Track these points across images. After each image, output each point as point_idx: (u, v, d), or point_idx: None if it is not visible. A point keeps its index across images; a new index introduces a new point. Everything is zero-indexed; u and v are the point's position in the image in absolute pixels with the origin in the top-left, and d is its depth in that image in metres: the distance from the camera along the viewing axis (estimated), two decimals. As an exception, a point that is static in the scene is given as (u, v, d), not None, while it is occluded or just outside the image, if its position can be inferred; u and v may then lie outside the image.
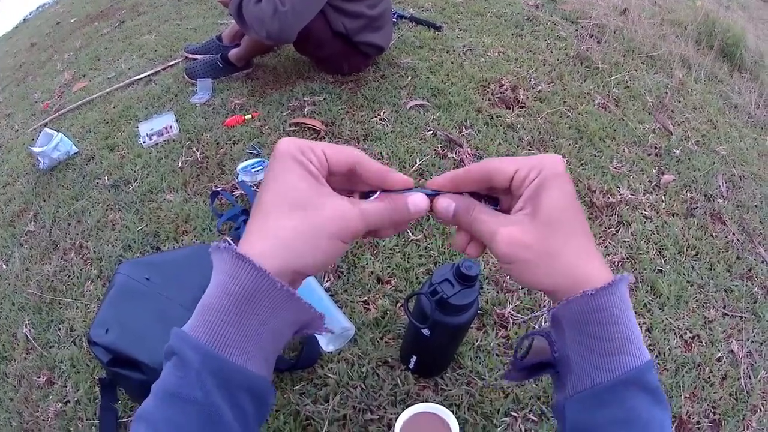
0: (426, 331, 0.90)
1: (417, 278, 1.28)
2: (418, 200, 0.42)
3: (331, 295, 1.24)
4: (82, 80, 2.50)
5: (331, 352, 1.14)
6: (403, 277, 1.29)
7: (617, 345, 0.39)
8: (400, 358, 1.11)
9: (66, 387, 1.21)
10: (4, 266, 1.59)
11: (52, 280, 1.46)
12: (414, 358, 1.05)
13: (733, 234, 1.60)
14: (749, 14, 4.24)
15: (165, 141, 1.85)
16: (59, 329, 1.33)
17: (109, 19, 3.28)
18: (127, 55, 2.60)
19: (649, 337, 1.26)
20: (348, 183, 0.44)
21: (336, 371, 1.10)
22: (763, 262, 1.54)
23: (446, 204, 0.43)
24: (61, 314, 1.36)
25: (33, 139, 2.02)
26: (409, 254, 1.33)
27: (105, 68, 2.54)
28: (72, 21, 3.63)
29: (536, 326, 1.19)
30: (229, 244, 0.37)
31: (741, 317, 1.37)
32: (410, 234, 1.38)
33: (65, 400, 1.19)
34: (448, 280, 0.84)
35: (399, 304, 1.22)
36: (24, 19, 4.88)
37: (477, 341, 1.15)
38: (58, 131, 1.89)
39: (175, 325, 1.01)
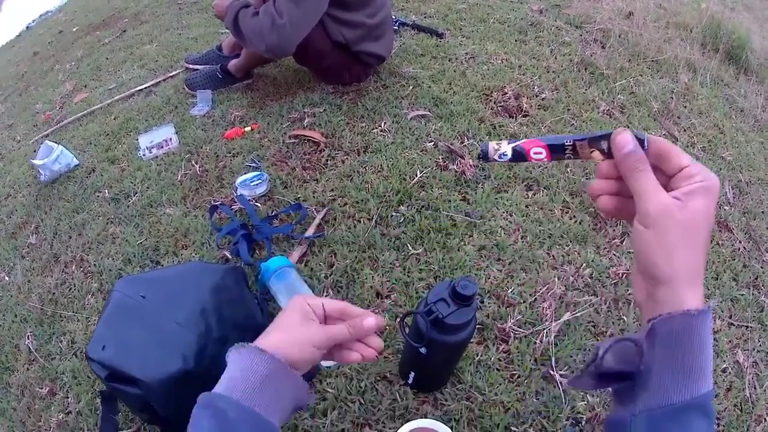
0: (423, 350, 0.90)
1: (417, 293, 1.28)
2: (371, 320, 0.68)
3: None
4: (83, 91, 2.51)
5: (329, 368, 1.14)
6: (403, 292, 1.28)
7: (698, 370, 0.42)
8: (399, 374, 1.11)
9: (68, 398, 1.22)
10: (6, 278, 1.60)
11: (54, 293, 1.47)
12: (412, 374, 1.05)
13: (740, 242, 1.57)
14: (754, 15, 4.17)
15: (165, 153, 1.85)
16: (61, 341, 1.34)
17: (110, 29, 3.29)
18: (128, 65, 2.61)
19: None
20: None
21: (334, 386, 1.10)
22: (770, 269, 1.51)
23: (628, 140, 0.46)
24: (63, 327, 1.37)
25: (34, 151, 2.03)
26: (408, 268, 1.33)
27: (106, 79, 2.56)
28: (74, 30, 3.65)
29: (538, 341, 1.18)
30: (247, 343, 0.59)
31: (747, 327, 1.34)
32: (410, 248, 1.38)
33: (67, 411, 1.19)
34: (443, 299, 0.83)
35: (398, 320, 1.22)
36: (27, 27, 4.91)
37: (477, 356, 1.15)
38: (58, 143, 1.89)
39: (171, 341, 1.04)
